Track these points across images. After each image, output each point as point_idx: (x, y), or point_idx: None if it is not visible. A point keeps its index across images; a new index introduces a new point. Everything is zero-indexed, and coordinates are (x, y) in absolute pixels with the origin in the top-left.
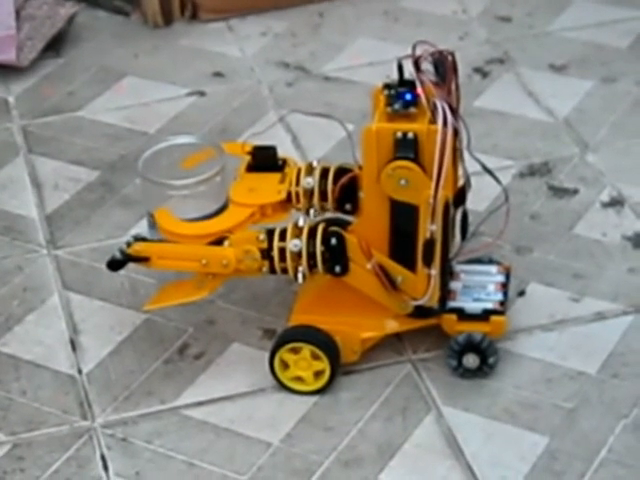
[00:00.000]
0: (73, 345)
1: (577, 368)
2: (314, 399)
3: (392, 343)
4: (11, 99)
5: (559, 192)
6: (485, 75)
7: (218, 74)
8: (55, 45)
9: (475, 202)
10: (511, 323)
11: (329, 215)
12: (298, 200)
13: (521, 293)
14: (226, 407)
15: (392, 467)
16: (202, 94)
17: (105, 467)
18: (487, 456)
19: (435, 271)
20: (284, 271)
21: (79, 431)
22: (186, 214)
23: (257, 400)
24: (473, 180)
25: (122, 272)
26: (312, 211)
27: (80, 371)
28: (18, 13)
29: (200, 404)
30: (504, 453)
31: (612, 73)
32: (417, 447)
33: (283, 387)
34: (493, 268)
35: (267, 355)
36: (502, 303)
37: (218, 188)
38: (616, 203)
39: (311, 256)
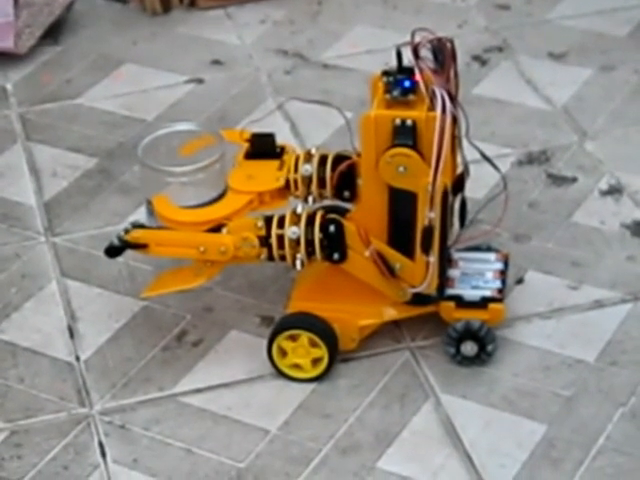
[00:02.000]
0: (71, 332)
1: (575, 356)
2: (312, 386)
3: (390, 330)
4: (9, 86)
5: (558, 180)
6: (484, 63)
7: (216, 62)
8: (53, 32)
9: (474, 190)
10: (509, 311)
11: (327, 202)
12: (296, 187)
13: (519, 281)
14: (224, 394)
15: (390, 454)
16: (200, 81)
17: (103, 454)
18: (485, 444)
19: (433, 258)
20: (282, 258)
21: (77, 418)
22: (185, 201)
23: (255, 387)
24: (472, 168)
25: (120, 259)
26: (310, 198)
27: (78, 358)
28: (16, 0)
29: (198, 391)
30: (502, 441)
31: (611, 61)
32: (415, 435)
33: (281, 374)
34: (491, 256)
35: (265, 342)
36: (500, 291)
37: (217, 175)
38: (615, 191)
39: (309, 243)
